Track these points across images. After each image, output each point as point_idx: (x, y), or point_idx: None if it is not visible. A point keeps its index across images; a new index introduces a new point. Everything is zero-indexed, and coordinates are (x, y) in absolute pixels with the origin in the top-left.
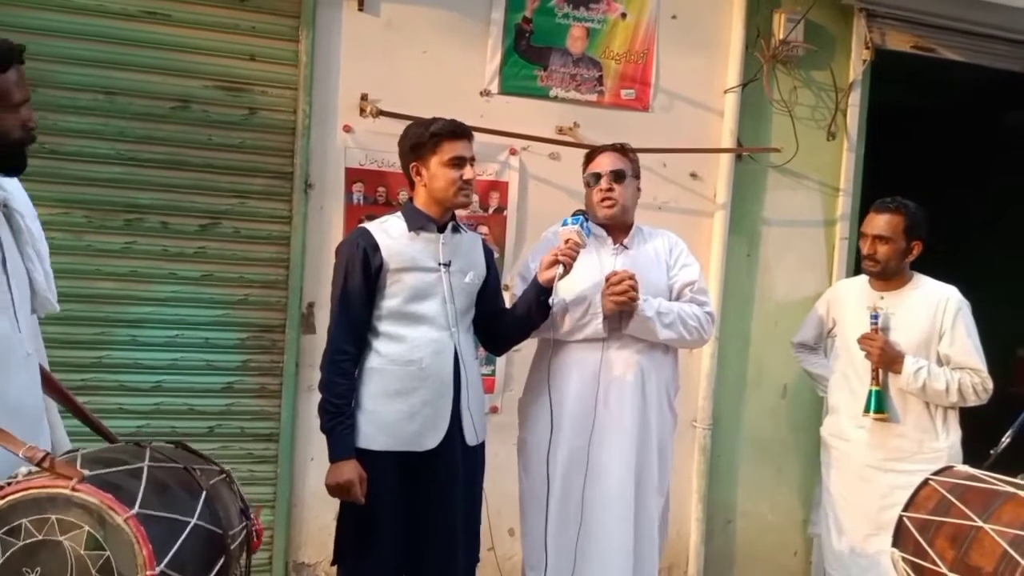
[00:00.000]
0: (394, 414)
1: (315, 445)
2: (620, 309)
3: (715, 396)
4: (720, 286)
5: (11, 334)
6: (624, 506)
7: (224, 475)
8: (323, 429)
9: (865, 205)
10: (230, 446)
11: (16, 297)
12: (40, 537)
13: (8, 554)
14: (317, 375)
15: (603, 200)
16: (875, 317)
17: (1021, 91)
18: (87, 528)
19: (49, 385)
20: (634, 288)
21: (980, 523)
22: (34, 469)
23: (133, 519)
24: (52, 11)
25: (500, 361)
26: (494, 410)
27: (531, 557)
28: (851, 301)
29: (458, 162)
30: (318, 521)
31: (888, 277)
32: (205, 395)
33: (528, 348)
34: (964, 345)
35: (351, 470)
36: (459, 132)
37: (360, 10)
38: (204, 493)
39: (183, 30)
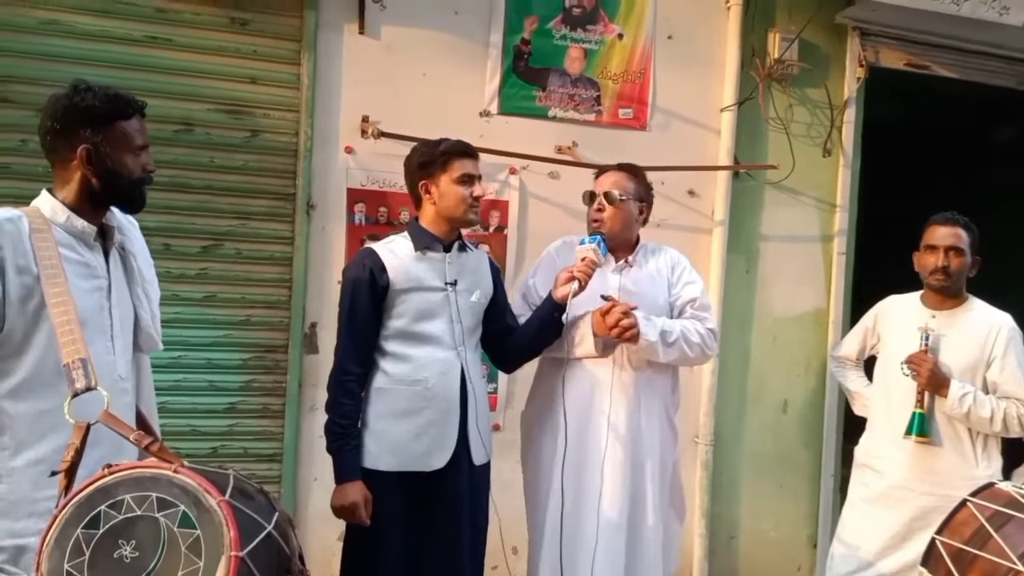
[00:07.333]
0: (401, 434)
1: (318, 465)
2: (619, 339)
3: (716, 412)
4: (719, 302)
5: (103, 355)
6: (615, 524)
7: (288, 517)
8: (329, 450)
9: (861, 220)
10: (233, 466)
11: (116, 325)
12: (139, 512)
13: (109, 525)
14: (320, 395)
15: (592, 221)
16: (926, 338)
17: (1014, 107)
18: (183, 507)
19: (142, 427)
20: (628, 315)
21: (1019, 566)
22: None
23: (225, 503)
24: (58, 37)
25: (502, 378)
26: (496, 427)
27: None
28: (900, 318)
29: (467, 179)
30: (321, 541)
31: (952, 294)
32: (208, 416)
33: (531, 365)
34: (1013, 374)
35: (356, 492)
36: (468, 151)
37: (361, 33)
38: (277, 512)
39: (186, 54)
